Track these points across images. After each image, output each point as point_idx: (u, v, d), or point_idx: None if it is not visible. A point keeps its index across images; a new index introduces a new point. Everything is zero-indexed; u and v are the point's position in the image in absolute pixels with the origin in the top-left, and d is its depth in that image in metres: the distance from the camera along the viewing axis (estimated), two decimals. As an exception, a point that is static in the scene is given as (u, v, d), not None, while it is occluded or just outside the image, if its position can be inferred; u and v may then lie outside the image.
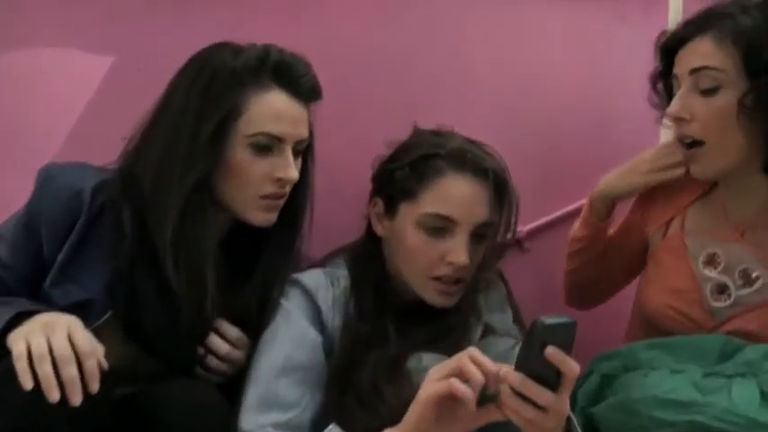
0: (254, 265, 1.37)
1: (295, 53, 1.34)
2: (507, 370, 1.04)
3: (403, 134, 1.45)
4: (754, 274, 1.38)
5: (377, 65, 1.72)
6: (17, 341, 1.09)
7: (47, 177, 1.29)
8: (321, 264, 1.43)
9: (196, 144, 1.26)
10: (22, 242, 1.28)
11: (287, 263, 1.38)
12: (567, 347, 1.03)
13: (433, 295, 1.35)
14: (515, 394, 1.03)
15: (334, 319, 1.34)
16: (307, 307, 1.34)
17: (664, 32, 1.41)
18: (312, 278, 1.37)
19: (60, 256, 1.25)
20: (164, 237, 1.25)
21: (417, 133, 1.42)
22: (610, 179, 1.53)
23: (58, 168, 1.31)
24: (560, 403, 1.04)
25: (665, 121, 1.46)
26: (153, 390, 1.21)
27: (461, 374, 1.04)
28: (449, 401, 1.06)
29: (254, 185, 1.30)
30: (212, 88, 1.28)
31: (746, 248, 1.39)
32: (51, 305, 1.22)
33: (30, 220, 1.28)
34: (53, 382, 1.05)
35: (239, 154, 1.29)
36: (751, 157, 1.34)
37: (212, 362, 1.30)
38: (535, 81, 1.83)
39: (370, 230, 1.44)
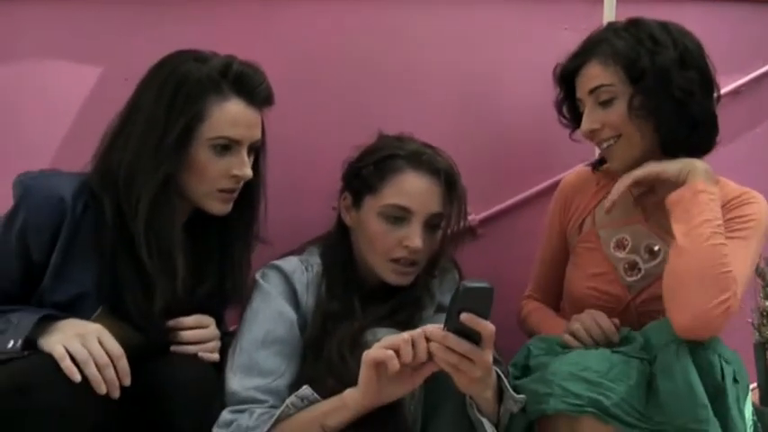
0: (216, 248, 1.55)
1: (252, 64, 1.50)
2: (433, 328, 1.28)
3: (365, 135, 1.64)
4: (656, 248, 1.62)
5: (338, 71, 1.89)
6: (55, 346, 1.28)
7: (25, 189, 1.41)
8: (298, 252, 1.64)
9: (164, 145, 1.42)
10: (11, 251, 1.40)
11: (245, 246, 1.57)
12: (484, 308, 1.26)
13: (390, 275, 1.56)
14: (443, 347, 1.26)
15: (308, 299, 1.55)
16: (284, 288, 1.55)
17: (557, 65, 1.65)
18: (289, 263, 1.58)
19: (53, 260, 1.39)
20: (137, 227, 1.41)
21: (381, 138, 1.63)
22: None
23: (34, 179, 1.43)
24: (482, 354, 1.28)
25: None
26: (155, 365, 1.39)
27: (397, 349, 1.27)
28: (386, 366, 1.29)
29: (213, 181, 1.47)
30: (179, 96, 1.43)
31: (647, 227, 1.62)
32: (50, 303, 1.39)
33: (15, 230, 1.39)
34: (101, 379, 1.28)
35: (201, 154, 1.45)
36: (651, 147, 1.57)
37: (189, 348, 1.45)
38: (486, 81, 1.99)
39: (339, 222, 1.64)
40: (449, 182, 1.57)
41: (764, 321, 1.73)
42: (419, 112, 1.90)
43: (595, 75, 1.56)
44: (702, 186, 1.48)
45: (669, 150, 1.56)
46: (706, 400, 1.37)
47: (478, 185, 1.90)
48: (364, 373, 1.32)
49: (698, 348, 1.41)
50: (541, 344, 1.57)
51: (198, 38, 1.57)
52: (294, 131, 1.80)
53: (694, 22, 1.79)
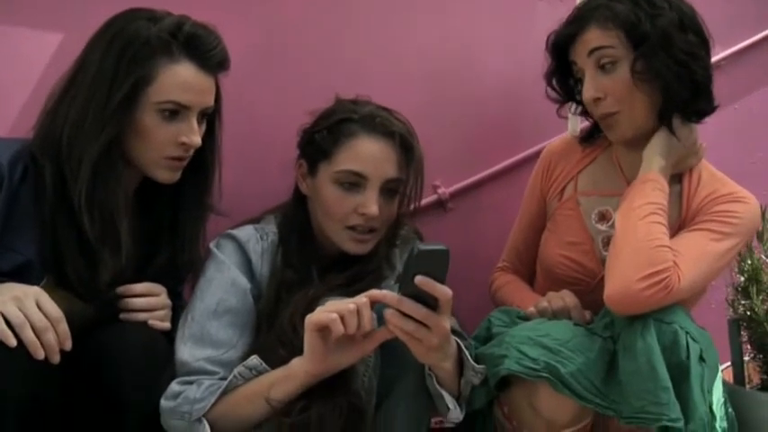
0: (168, 218, 1.51)
1: (206, 25, 1.44)
2: (386, 292, 1.24)
3: (328, 103, 1.58)
4: None
5: (302, 36, 1.85)
6: None
7: None
8: (254, 221, 1.59)
9: (108, 107, 1.36)
10: None
11: (198, 217, 1.53)
12: (440, 272, 1.21)
13: (348, 243, 1.52)
14: (397, 312, 1.22)
15: (262, 268, 1.51)
16: (238, 258, 1.50)
17: (550, 35, 1.59)
18: (244, 232, 1.53)
19: None
20: (79, 192, 1.36)
21: (336, 102, 1.58)
22: None
23: None
24: (438, 319, 1.23)
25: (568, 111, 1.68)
26: (103, 332, 1.35)
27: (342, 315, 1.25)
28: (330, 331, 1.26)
29: (159, 147, 1.42)
30: (125, 56, 1.37)
31: None
32: None
33: None
34: (38, 344, 1.23)
35: (147, 118, 1.39)
36: (651, 117, 1.53)
37: (138, 315, 1.41)
38: (457, 53, 1.94)
39: (296, 191, 1.60)
40: (404, 145, 1.51)
41: (738, 297, 1.67)
42: (387, 83, 1.84)
43: (594, 38, 1.52)
44: (652, 176, 1.50)
45: (666, 115, 1.53)
46: (668, 382, 1.34)
47: (448, 159, 1.88)
48: (308, 339, 1.29)
49: (663, 325, 1.38)
50: (503, 316, 1.54)
51: (164, 5, 1.51)
52: (254, 97, 1.75)
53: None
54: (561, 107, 1.67)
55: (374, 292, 1.27)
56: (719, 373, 1.46)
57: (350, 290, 1.45)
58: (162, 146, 1.42)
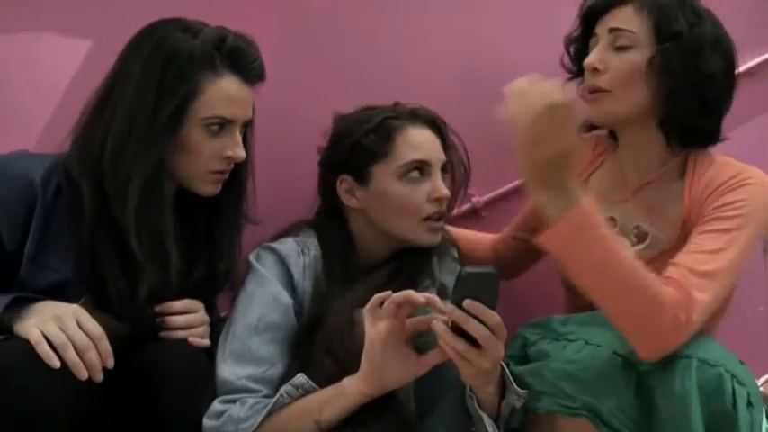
0: (204, 229, 1.49)
1: (246, 37, 1.43)
2: (438, 300, 1.24)
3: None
4: (644, 231, 1.52)
5: (333, 42, 1.84)
6: (30, 330, 1.21)
7: None
8: (293, 233, 1.56)
9: (155, 125, 1.34)
10: None
11: (235, 226, 1.52)
12: (488, 295, 1.18)
13: (425, 235, 1.52)
14: (450, 331, 1.20)
15: (304, 284, 1.49)
16: (280, 272, 1.48)
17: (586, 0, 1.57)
18: (285, 246, 1.51)
19: (27, 247, 1.32)
20: (127, 214, 1.34)
21: (350, 115, 1.57)
22: None
23: (1, 163, 1.36)
24: (493, 341, 1.21)
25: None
26: (145, 350, 1.34)
27: (403, 301, 1.25)
28: (394, 343, 1.26)
29: (204, 162, 1.40)
30: (170, 71, 1.35)
31: (636, 207, 1.53)
32: (32, 291, 1.31)
33: None
34: (81, 365, 1.22)
35: (194, 134, 1.38)
36: (651, 113, 1.50)
37: (177, 333, 1.40)
38: (488, 54, 1.92)
39: (332, 209, 1.58)
40: (442, 129, 1.57)
41: (776, 306, 1.66)
42: (419, 88, 1.81)
43: (624, 18, 1.49)
44: (578, 220, 1.26)
45: (666, 125, 1.49)
46: None
47: (482, 166, 1.82)
48: (369, 350, 1.29)
49: (707, 368, 1.29)
50: (536, 329, 1.48)
51: (193, 9, 1.48)
52: (286, 105, 1.75)
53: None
54: (569, 81, 1.61)
55: (422, 300, 1.26)
56: (763, 410, 1.39)
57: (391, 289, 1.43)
58: (207, 160, 1.40)
